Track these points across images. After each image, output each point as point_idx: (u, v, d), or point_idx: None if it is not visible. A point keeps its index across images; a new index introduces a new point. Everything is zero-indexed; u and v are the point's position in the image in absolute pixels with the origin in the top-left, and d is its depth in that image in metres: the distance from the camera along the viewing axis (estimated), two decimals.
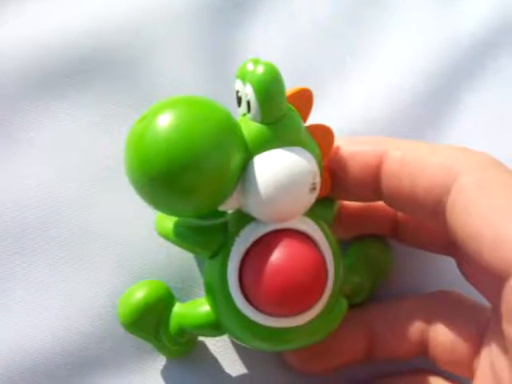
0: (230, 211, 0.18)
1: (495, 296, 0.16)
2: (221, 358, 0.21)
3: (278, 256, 0.17)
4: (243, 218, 0.17)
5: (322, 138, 0.18)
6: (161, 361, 0.20)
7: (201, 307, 0.19)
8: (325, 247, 0.18)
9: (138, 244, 0.21)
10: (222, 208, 0.17)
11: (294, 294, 0.17)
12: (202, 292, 0.19)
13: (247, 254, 0.17)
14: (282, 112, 0.16)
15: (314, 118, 0.18)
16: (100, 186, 0.21)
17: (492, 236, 0.15)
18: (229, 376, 0.21)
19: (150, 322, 0.19)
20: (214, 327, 0.18)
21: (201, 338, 0.21)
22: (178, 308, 0.19)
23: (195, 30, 0.23)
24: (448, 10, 0.25)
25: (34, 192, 0.21)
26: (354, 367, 0.21)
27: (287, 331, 0.18)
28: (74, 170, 0.21)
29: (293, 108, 0.17)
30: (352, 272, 0.20)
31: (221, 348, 0.21)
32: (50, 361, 0.20)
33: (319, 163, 0.17)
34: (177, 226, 0.18)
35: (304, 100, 0.17)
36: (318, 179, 0.17)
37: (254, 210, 0.17)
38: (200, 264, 0.21)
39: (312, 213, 0.18)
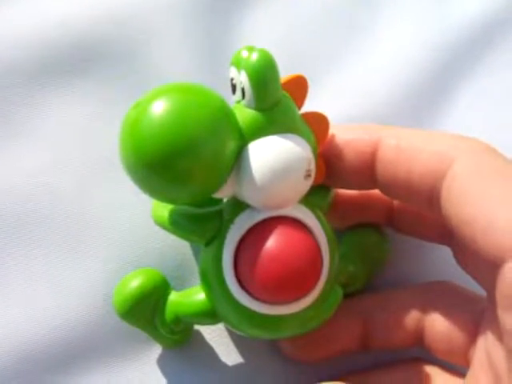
0: (224, 199, 0.18)
1: (490, 283, 0.16)
2: (216, 346, 0.21)
3: (272, 243, 0.17)
4: (238, 206, 0.17)
5: (316, 125, 0.18)
6: (156, 350, 0.20)
7: (196, 295, 0.19)
8: (320, 235, 0.18)
9: (134, 233, 0.21)
10: (216, 195, 0.17)
11: (289, 281, 0.17)
12: (198, 280, 0.19)
13: (242, 241, 0.17)
14: (277, 99, 0.16)
15: (309, 107, 0.18)
16: (97, 176, 0.21)
17: (486, 222, 0.15)
18: (224, 364, 0.21)
19: (146, 310, 0.19)
20: (210, 315, 0.18)
21: (196, 327, 0.21)
22: (173, 296, 0.19)
23: (191, 19, 0.23)
24: (446, 2, 0.25)
25: (31, 181, 0.21)
26: (349, 356, 0.21)
27: (282, 319, 0.18)
28: (72, 160, 0.21)
29: (287, 95, 0.17)
30: (347, 261, 0.20)
31: (216, 337, 0.21)
32: (46, 350, 0.20)
33: (314, 150, 0.17)
34: (172, 214, 0.18)
35: (299, 87, 0.17)
36: (312, 166, 0.17)
37: (248, 197, 0.17)
38: (196, 252, 0.21)
39: (307, 200, 0.18)
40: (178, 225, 0.18)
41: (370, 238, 0.21)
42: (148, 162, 0.15)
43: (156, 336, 0.20)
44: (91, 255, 0.20)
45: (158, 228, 0.20)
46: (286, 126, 0.17)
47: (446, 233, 0.19)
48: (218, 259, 0.17)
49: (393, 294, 0.20)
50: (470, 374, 0.17)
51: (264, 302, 0.17)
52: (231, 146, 0.16)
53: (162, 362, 0.20)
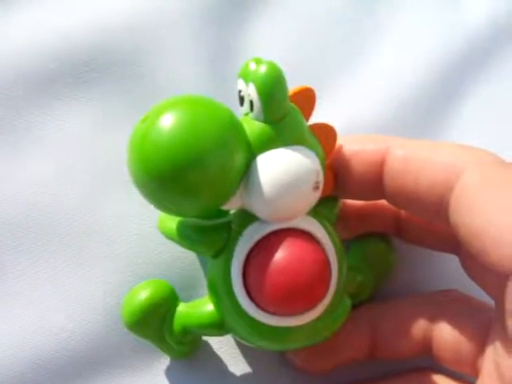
0: (233, 211, 0.18)
1: (498, 293, 0.16)
2: (225, 357, 0.21)
3: (281, 255, 0.17)
4: (246, 218, 0.17)
5: (324, 136, 0.18)
6: (164, 361, 0.20)
7: (204, 307, 0.19)
8: (328, 246, 0.18)
9: (141, 244, 0.21)
10: (225, 207, 0.17)
11: (298, 294, 0.17)
12: (206, 291, 0.19)
13: (251, 253, 0.17)
14: (285, 111, 0.16)
15: (316, 118, 0.18)
16: (103, 186, 0.21)
17: (495, 234, 0.15)
18: (233, 375, 0.21)
19: (154, 322, 0.19)
20: (218, 327, 0.18)
21: (205, 338, 0.21)
22: (181, 308, 0.19)
23: (197, 30, 0.23)
24: (454, 8, 0.24)
25: (37, 191, 0.21)
26: (356, 366, 0.21)
27: (291, 330, 0.18)
28: (78, 170, 0.21)
29: (295, 107, 0.17)
30: (355, 271, 0.20)
31: (225, 347, 0.21)
32: (53, 361, 0.20)
33: (322, 162, 0.17)
34: (180, 225, 0.18)
35: (306, 99, 0.17)
36: (321, 178, 0.17)
37: (257, 209, 0.17)
38: (203, 264, 0.21)
39: (315, 212, 0.18)
40: (186, 237, 0.18)
41: (377, 248, 0.21)
42: (157, 176, 0.15)
43: (164, 347, 0.20)
44: (98, 266, 0.20)
45: (165, 239, 0.20)
46: (295, 138, 0.17)
47: (453, 242, 0.19)
48: (226, 271, 0.17)
49: (400, 304, 0.20)
50: (478, 383, 0.17)
51: (273, 313, 0.17)
52: (240, 158, 0.16)
53: (170, 373, 0.20)
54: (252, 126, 0.16)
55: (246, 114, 0.17)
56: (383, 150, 0.18)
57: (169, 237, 0.19)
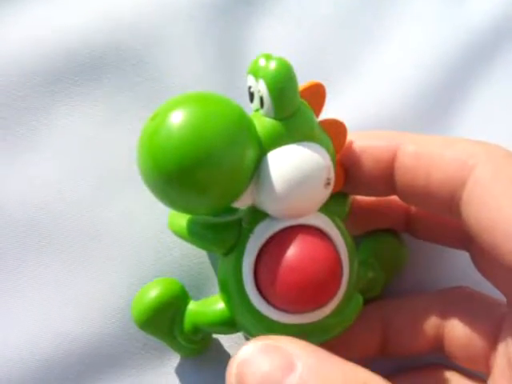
0: (243, 208, 0.18)
1: (510, 289, 0.16)
2: (233, 352, 0.21)
3: (292, 252, 0.17)
4: (257, 215, 0.17)
5: (334, 132, 0.18)
6: (175, 359, 0.20)
7: (215, 305, 0.18)
8: (340, 243, 0.18)
9: (151, 242, 0.21)
10: (236, 205, 0.17)
11: (310, 291, 0.17)
12: (216, 290, 0.19)
13: (262, 250, 0.17)
14: (295, 107, 0.16)
15: (326, 113, 0.18)
16: (111, 184, 0.21)
17: (507, 229, 0.15)
18: None
19: (164, 320, 0.19)
20: (229, 325, 0.18)
21: (215, 336, 0.21)
22: (192, 306, 0.19)
23: (204, 26, 0.22)
24: (458, 4, 0.24)
25: (44, 191, 0.21)
26: (367, 363, 0.20)
27: (303, 328, 0.17)
28: (85, 168, 0.21)
29: (305, 103, 0.17)
30: (366, 267, 0.20)
31: (235, 345, 0.21)
32: (62, 360, 0.20)
33: (333, 158, 0.17)
34: (190, 223, 0.18)
35: (316, 95, 0.17)
36: (332, 174, 0.17)
37: (268, 206, 0.17)
38: (214, 262, 0.21)
39: (326, 208, 0.18)
40: (197, 235, 0.18)
41: (388, 244, 0.21)
42: (167, 174, 0.15)
43: (174, 345, 0.20)
44: (108, 266, 0.20)
45: (175, 238, 0.20)
46: (305, 135, 0.17)
47: (464, 238, 0.19)
48: (237, 269, 0.17)
49: (412, 300, 0.20)
50: (490, 380, 0.17)
51: (284, 311, 0.17)
52: (250, 155, 0.16)
53: (180, 371, 0.20)
54: (262, 122, 0.16)
55: (256, 111, 0.17)
56: (394, 145, 0.18)
57: (179, 235, 0.19)
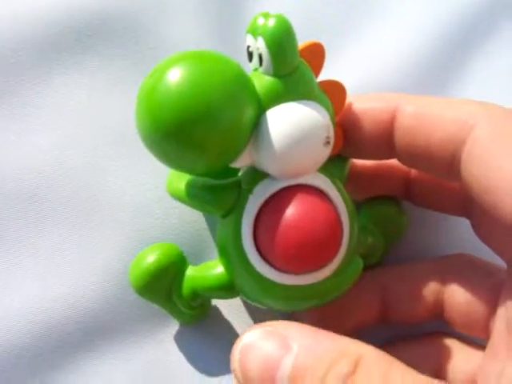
0: (243, 169, 0.18)
1: (510, 254, 0.16)
2: (234, 323, 0.20)
3: (292, 211, 0.16)
4: (256, 175, 0.17)
5: (333, 94, 0.18)
6: (174, 326, 0.20)
7: (214, 269, 0.18)
8: (339, 203, 0.18)
9: (150, 208, 0.21)
10: (235, 165, 0.17)
11: (309, 250, 0.16)
12: (215, 256, 0.19)
13: (261, 211, 0.17)
14: (295, 64, 0.16)
15: (325, 76, 0.18)
16: (110, 150, 0.21)
17: (508, 188, 0.15)
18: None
19: (163, 285, 0.19)
20: (228, 289, 0.18)
21: (214, 304, 0.20)
22: (190, 271, 0.19)
23: None
24: None
25: (42, 158, 0.20)
26: (367, 330, 0.20)
27: (302, 289, 0.17)
28: (83, 135, 0.21)
29: (305, 62, 0.17)
30: (366, 232, 0.20)
31: (235, 312, 0.20)
32: (62, 327, 0.19)
33: (332, 118, 0.17)
34: (189, 185, 0.18)
35: (316, 55, 0.17)
36: (331, 133, 0.17)
37: (267, 165, 0.17)
38: (212, 228, 0.21)
39: (325, 170, 0.18)
40: (196, 197, 0.18)
41: (387, 210, 0.21)
42: (165, 130, 0.15)
43: (174, 312, 0.19)
44: (104, 233, 0.20)
45: (174, 204, 0.19)
46: (304, 93, 0.16)
47: (464, 204, 0.19)
48: (236, 230, 0.17)
49: (412, 267, 0.20)
50: (489, 344, 0.17)
51: (284, 271, 0.17)
52: (249, 112, 0.16)
53: (179, 339, 0.20)
54: (261, 80, 0.16)
55: (255, 70, 0.17)
56: (393, 107, 0.18)
57: (177, 198, 0.19)
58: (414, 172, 0.20)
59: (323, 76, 0.18)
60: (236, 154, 0.16)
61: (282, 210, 0.16)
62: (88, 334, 0.20)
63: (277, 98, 0.16)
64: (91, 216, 0.20)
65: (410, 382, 0.14)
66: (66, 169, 0.20)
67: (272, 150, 0.16)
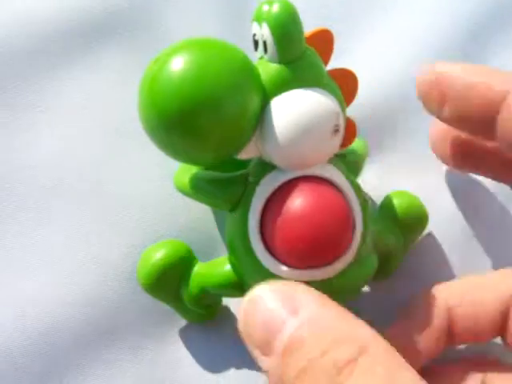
0: (250, 162, 0.18)
1: None
2: None
3: (299, 202, 0.16)
4: (264, 167, 0.17)
5: (344, 82, 0.17)
6: (181, 325, 0.20)
7: (222, 266, 0.18)
8: (351, 196, 0.17)
9: (157, 205, 0.20)
10: (240, 156, 0.16)
11: (318, 243, 0.16)
12: (223, 253, 0.19)
13: (268, 203, 0.16)
14: (300, 50, 0.16)
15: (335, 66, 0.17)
16: (119, 145, 0.21)
17: None
18: None
19: (171, 282, 0.18)
20: (237, 286, 0.17)
21: (224, 303, 0.20)
22: (198, 268, 0.18)
23: None
24: None
25: (51, 151, 0.20)
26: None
27: (312, 286, 0.16)
28: (90, 131, 0.21)
29: (312, 49, 0.16)
30: (384, 231, 0.19)
31: None
32: (69, 326, 0.19)
33: (342, 107, 0.17)
34: (196, 180, 0.18)
35: (324, 41, 0.17)
36: (341, 121, 0.16)
37: (273, 156, 0.16)
38: (220, 225, 0.20)
39: (336, 162, 0.17)
40: (203, 190, 0.17)
41: (407, 203, 0.20)
42: (167, 119, 0.15)
43: (182, 310, 0.19)
44: (112, 229, 0.20)
45: (182, 201, 0.19)
46: (312, 80, 0.16)
47: None
48: (243, 224, 0.17)
49: (476, 282, 0.19)
50: None
51: (291, 266, 0.16)
52: (254, 101, 0.15)
53: (187, 338, 0.19)
54: (266, 67, 0.16)
55: (261, 58, 0.16)
56: (504, 91, 0.16)
57: (185, 192, 0.18)
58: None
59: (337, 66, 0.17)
60: (241, 144, 0.16)
61: (288, 202, 0.16)
62: (95, 332, 0.19)
63: (283, 85, 0.16)
64: (98, 212, 0.20)
65: None
66: (74, 163, 0.20)
67: (278, 140, 0.16)
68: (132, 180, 0.20)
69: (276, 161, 0.16)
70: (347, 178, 0.17)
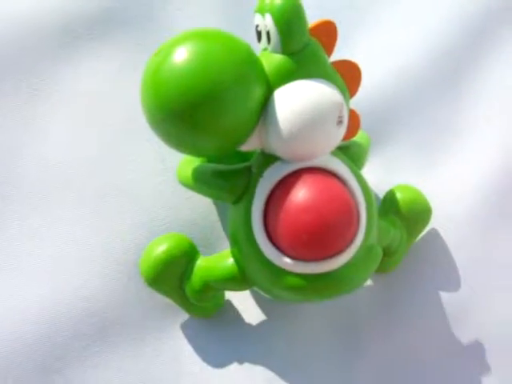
0: (253, 154, 0.17)
1: None
2: (246, 317, 0.20)
3: (303, 193, 0.16)
4: (267, 159, 0.17)
5: (348, 74, 0.17)
6: (184, 319, 0.19)
7: (225, 260, 0.18)
8: (355, 187, 0.17)
9: (161, 200, 0.20)
10: (244, 148, 0.16)
11: (322, 234, 0.15)
12: (226, 247, 0.18)
13: (271, 194, 0.16)
14: (304, 41, 0.16)
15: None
16: (122, 141, 0.20)
17: None
18: (254, 335, 0.19)
19: (173, 275, 0.18)
20: (240, 280, 0.17)
21: (227, 297, 0.20)
22: (201, 261, 0.18)
23: None
24: None
25: (55, 148, 0.20)
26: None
27: (315, 278, 0.16)
28: (95, 125, 0.21)
29: (315, 41, 0.16)
30: (388, 223, 0.19)
31: (249, 309, 0.20)
32: (73, 319, 0.19)
33: (346, 98, 0.16)
34: (199, 173, 0.17)
35: (327, 33, 0.16)
36: (345, 112, 0.16)
37: (277, 147, 0.16)
38: (224, 220, 0.20)
39: (340, 154, 0.17)
40: (206, 183, 0.17)
41: (411, 196, 0.19)
42: (171, 110, 0.15)
43: (184, 304, 0.19)
44: (116, 223, 0.20)
45: (186, 196, 0.19)
46: (315, 71, 0.16)
47: None
48: (246, 215, 0.16)
49: None
50: None
51: (295, 258, 0.16)
52: (257, 92, 0.15)
53: (190, 332, 0.19)
54: (270, 58, 0.16)
55: (264, 50, 0.16)
56: None
57: (188, 186, 0.18)
58: None
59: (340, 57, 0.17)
60: (244, 136, 0.16)
61: (291, 193, 0.16)
62: (98, 326, 0.19)
63: (286, 76, 0.16)
64: (102, 206, 0.20)
65: None
66: (78, 159, 0.20)
67: (281, 131, 0.15)
68: (135, 175, 0.20)
69: (279, 152, 0.16)
70: (351, 169, 0.17)
